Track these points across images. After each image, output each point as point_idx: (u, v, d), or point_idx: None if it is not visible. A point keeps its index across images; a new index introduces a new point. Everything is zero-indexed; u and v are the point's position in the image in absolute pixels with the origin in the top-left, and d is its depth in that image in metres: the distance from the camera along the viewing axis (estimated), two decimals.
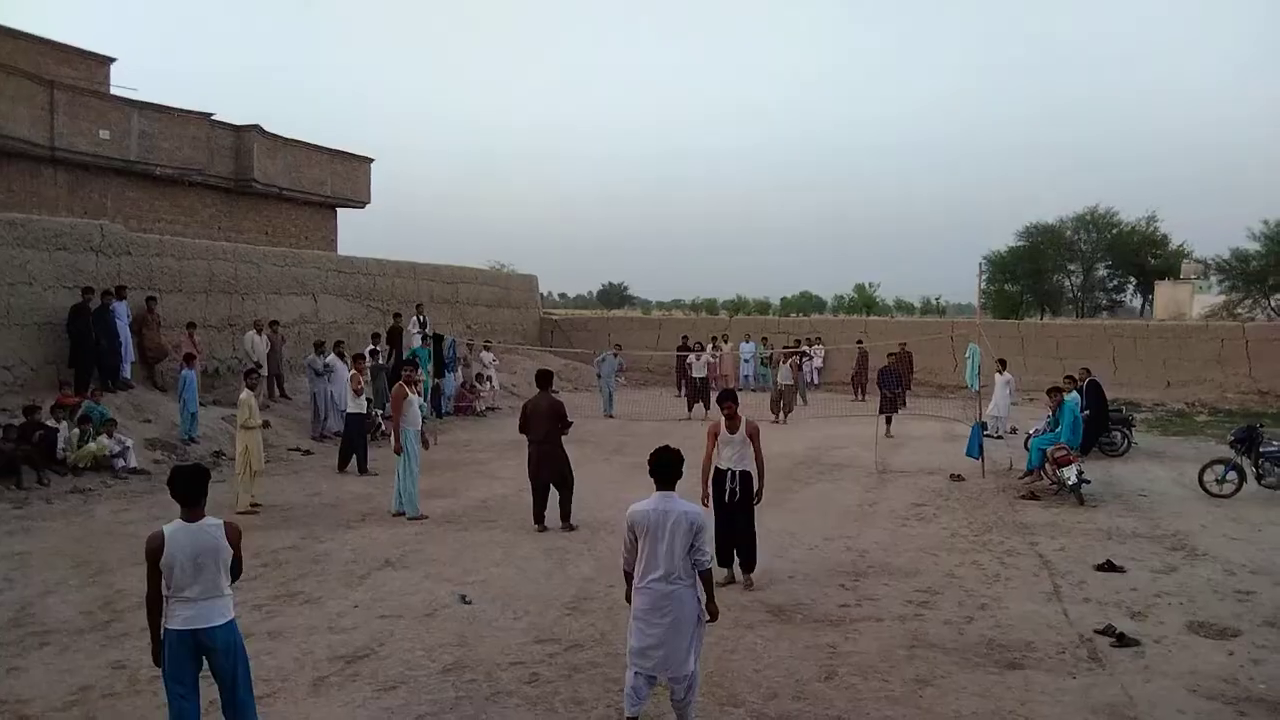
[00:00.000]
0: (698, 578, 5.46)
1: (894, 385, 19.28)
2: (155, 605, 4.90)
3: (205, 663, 4.97)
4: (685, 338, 27.83)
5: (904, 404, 23.02)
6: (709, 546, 5.55)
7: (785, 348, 25.65)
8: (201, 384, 16.99)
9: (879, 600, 8.29)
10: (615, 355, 23.84)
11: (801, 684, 6.42)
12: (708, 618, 5.55)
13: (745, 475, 8.61)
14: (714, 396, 21.63)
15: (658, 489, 5.60)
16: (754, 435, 8.61)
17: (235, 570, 5.10)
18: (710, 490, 8.67)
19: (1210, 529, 11.06)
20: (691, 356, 23.08)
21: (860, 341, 26.90)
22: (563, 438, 10.92)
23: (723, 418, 8.65)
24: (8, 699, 6.03)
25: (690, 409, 22.01)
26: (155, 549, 4.83)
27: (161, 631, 4.90)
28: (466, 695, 6.18)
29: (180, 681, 4.89)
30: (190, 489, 4.95)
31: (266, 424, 12.28)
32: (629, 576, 5.58)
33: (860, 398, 25.82)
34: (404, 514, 11.31)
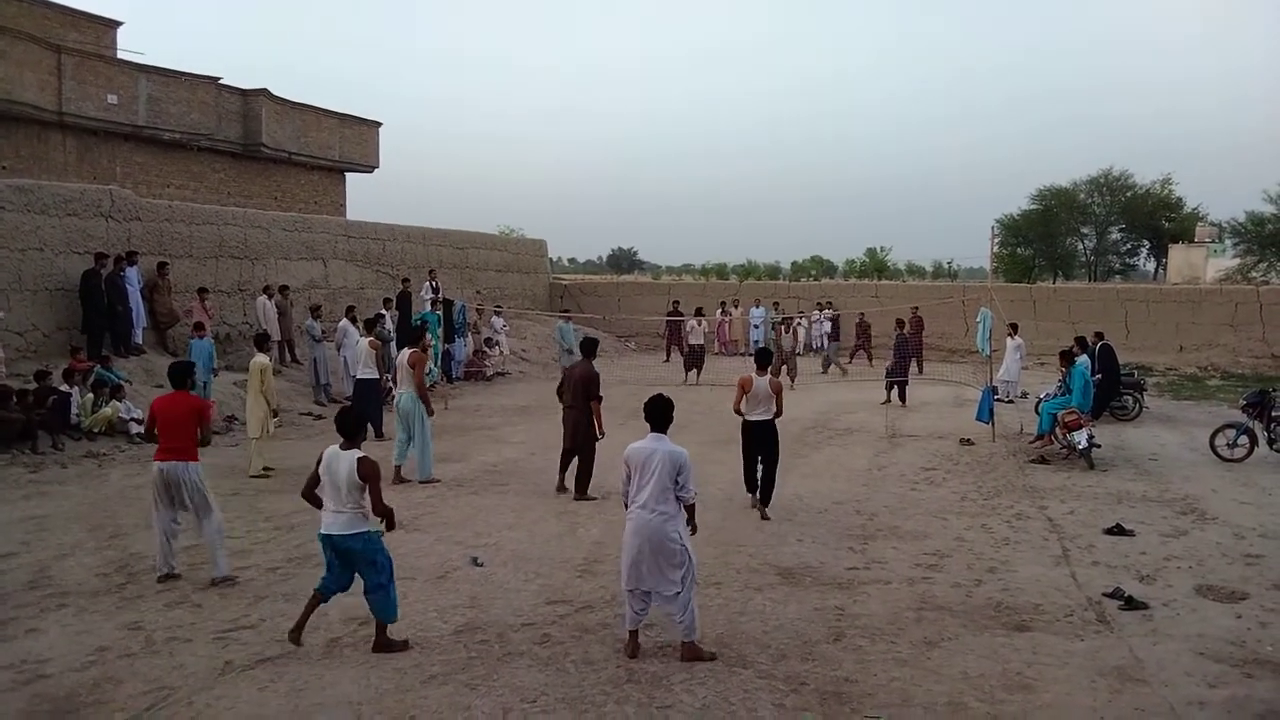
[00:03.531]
0: (683, 510, 6.28)
1: (902, 353, 18.66)
2: (305, 494, 6.52)
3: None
4: (676, 303, 27.74)
5: (918, 369, 22.99)
6: (692, 483, 6.29)
7: (785, 317, 25.64)
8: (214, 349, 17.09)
9: (887, 563, 8.33)
10: (569, 321, 22.83)
11: (810, 645, 6.47)
12: (690, 541, 6.34)
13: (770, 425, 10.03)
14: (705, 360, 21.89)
15: (651, 431, 6.42)
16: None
17: (375, 503, 6.26)
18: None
19: (1220, 493, 11.05)
20: (692, 322, 22.92)
21: (862, 314, 26.29)
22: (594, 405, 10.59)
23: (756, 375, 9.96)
24: (28, 659, 6.12)
25: (686, 376, 21.76)
26: (318, 460, 6.36)
27: None
28: (479, 656, 6.25)
29: (329, 569, 6.37)
30: (343, 426, 6.38)
31: (275, 413, 12.22)
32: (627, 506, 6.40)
33: (865, 362, 25.59)
34: (398, 469, 11.25)
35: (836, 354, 24.04)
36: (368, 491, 6.22)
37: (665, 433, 6.42)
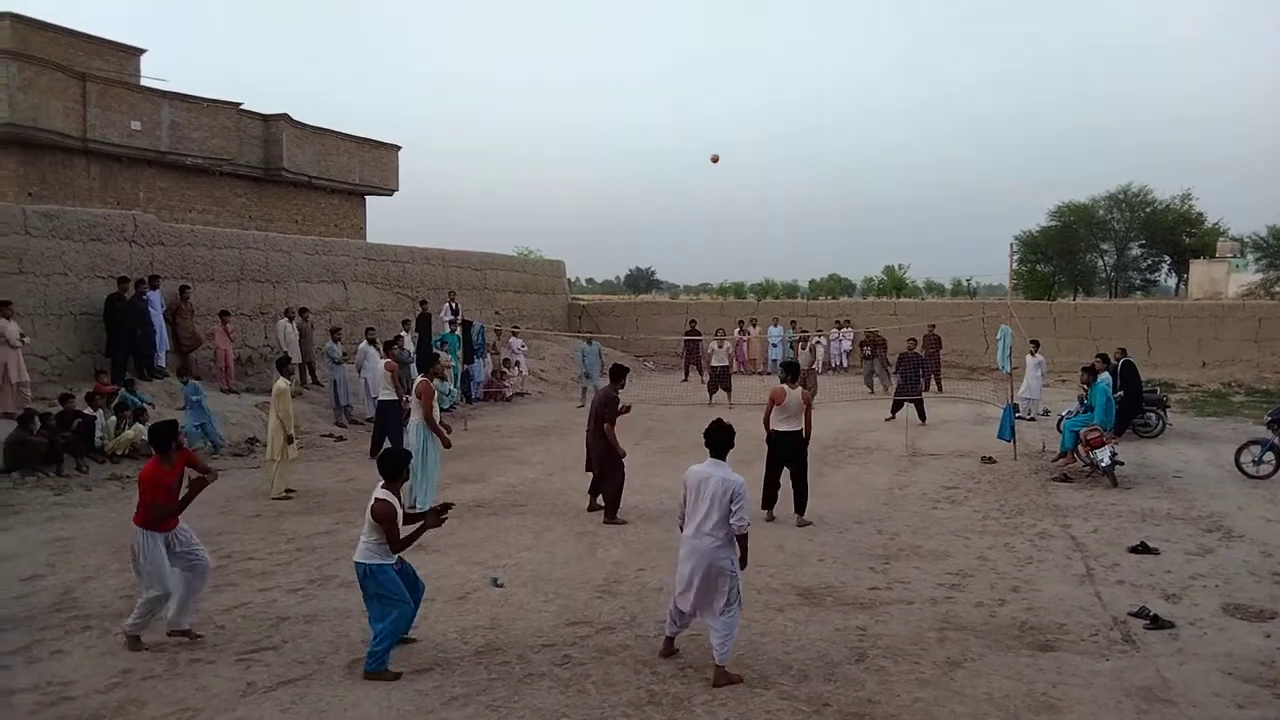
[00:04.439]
0: (735, 539, 6.21)
1: (913, 372, 18.56)
2: None
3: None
4: (693, 322, 27.71)
5: (938, 388, 22.92)
6: (745, 512, 6.21)
7: (803, 333, 25.50)
8: (235, 372, 17.23)
9: (909, 583, 8.27)
10: (591, 343, 22.09)
11: (832, 666, 6.43)
12: (739, 568, 6.30)
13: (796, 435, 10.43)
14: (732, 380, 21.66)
15: (710, 456, 6.39)
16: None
17: (391, 543, 6.39)
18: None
19: (1247, 510, 10.92)
20: (713, 344, 22.75)
21: (875, 331, 25.85)
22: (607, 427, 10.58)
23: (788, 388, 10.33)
24: (53, 681, 6.17)
25: (711, 397, 21.36)
26: None
27: None
28: (499, 677, 6.24)
29: None
30: (380, 467, 6.63)
31: (290, 440, 12.06)
32: (683, 528, 6.42)
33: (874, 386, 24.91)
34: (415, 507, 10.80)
35: (885, 374, 23.24)
36: (379, 528, 6.38)
37: (724, 459, 6.41)
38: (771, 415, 10.49)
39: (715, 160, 7.30)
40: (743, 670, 6.28)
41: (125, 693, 5.99)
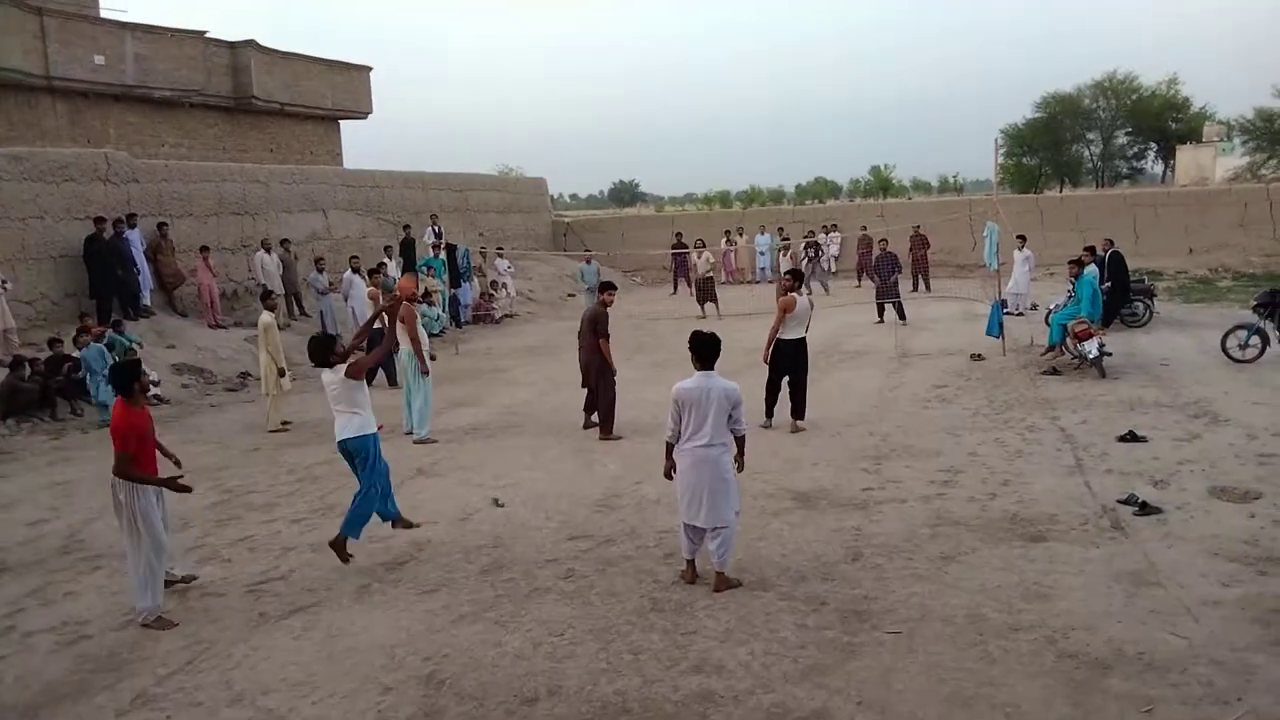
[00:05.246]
0: (734, 442, 6.34)
1: (889, 272, 18.65)
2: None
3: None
4: (679, 235, 27.61)
5: (926, 288, 23.12)
6: (745, 417, 6.35)
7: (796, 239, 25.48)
8: (221, 306, 17.16)
9: (902, 482, 8.41)
10: (590, 262, 22.62)
11: (829, 566, 6.58)
12: (737, 469, 6.44)
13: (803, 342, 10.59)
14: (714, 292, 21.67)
15: (699, 369, 6.30)
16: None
17: (377, 357, 7.73)
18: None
19: (1233, 395, 11.06)
20: (694, 255, 22.60)
21: (865, 228, 26.25)
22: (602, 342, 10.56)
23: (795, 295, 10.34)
24: (69, 621, 6.29)
25: (702, 308, 21.17)
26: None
27: None
28: (506, 594, 6.38)
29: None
30: (311, 355, 7.22)
31: (282, 373, 11.97)
32: (670, 449, 6.39)
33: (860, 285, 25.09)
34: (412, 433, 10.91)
35: (825, 276, 24.42)
36: (363, 382, 7.16)
37: (713, 369, 6.32)
38: (782, 324, 10.44)
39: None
40: (741, 574, 6.42)
41: (139, 629, 6.11)
